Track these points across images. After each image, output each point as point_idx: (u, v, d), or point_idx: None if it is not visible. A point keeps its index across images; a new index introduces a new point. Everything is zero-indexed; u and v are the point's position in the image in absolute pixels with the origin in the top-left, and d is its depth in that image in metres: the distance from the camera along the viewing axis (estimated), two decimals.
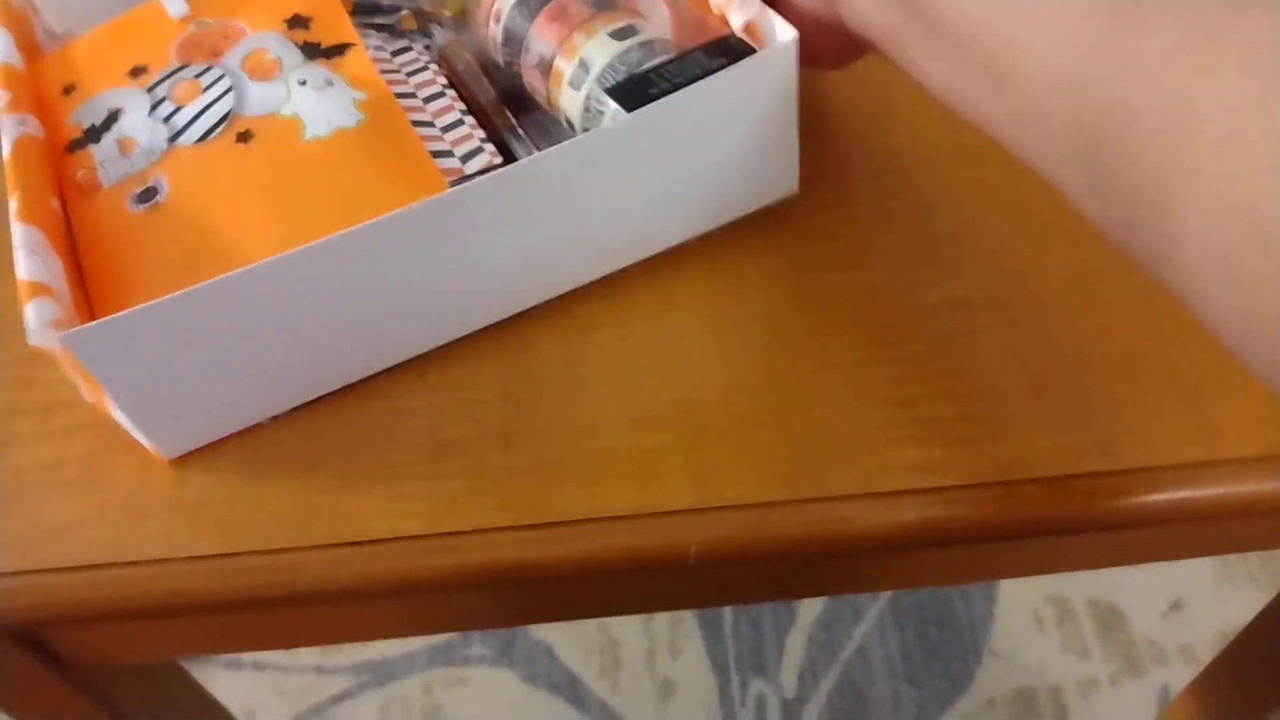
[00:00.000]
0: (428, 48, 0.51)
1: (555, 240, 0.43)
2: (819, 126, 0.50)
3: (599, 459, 0.39)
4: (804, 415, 0.40)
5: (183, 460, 0.41)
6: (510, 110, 0.50)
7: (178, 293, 0.36)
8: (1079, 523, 0.38)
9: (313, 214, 0.41)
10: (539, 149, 0.47)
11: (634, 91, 0.42)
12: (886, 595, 1.13)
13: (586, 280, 0.45)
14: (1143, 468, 0.38)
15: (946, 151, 0.48)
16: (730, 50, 0.43)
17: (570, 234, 0.43)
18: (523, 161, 0.40)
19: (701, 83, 0.41)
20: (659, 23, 0.47)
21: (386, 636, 0.46)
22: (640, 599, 0.48)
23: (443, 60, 0.51)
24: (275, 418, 0.42)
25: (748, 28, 0.43)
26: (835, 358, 0.42)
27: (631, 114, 0.41)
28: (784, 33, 0.42)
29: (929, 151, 0.49)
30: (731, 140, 0.44)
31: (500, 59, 0.50)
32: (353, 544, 0.38)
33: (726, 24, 0.44)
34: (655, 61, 0.43)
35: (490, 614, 0.47)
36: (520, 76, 0.49)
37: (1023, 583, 1.13)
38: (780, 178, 0.47)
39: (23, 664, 0.42)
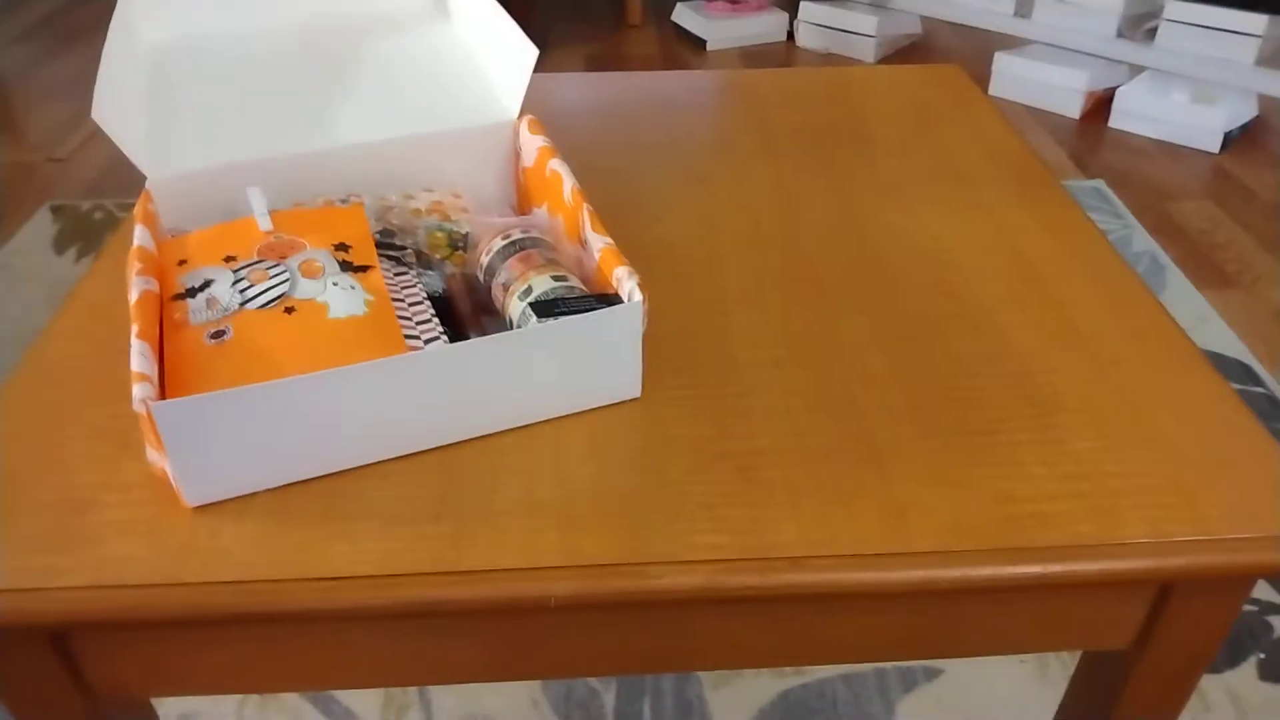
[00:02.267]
0: (419, 275, 0.76)
1: (479, 397, 0.65)
2: (672, 349, 0.73)
3: (500, 531, 0.59)
4: (641, 512, 0.61)
5: (216, 519, 0.61)
6: (480, 314, 0.74)
7: (227, 390, 0.58)
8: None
9: (324, 364, 0.64)
10: None
11: (548, 308, 0.67)
12: None
13: (504, 427, 0.67)
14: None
15: (759, 361, 0.72)
16: (610, 301, 0.67)
17: (489, 395, 0.66)
18: (458, 344, 0.63)
19: (589, 314, 0.65)
20: (580, 280, 0.72)
21: (352, 684, 0.64)
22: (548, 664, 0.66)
23: (449, 283, 0.76)
24: (281, 488, 0.62)
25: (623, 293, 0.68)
26: (669, 478, 0.63)
27: (534, 326, 0.65)
28: (636, 296, 0.66)
29: (747, 360, 0.72)
30: (599, 354, 0.67)
31: (481, 278, 0.74)
32: (326, 579, 0.57)
33: (614, 288, 0.69)
34: (567, 295, 0.68)
35: (429, 667, 0.65)
36: (489, 290, 0.73)
37: None
38: (629, 383, 0.70)
39: (45, 669, 0.60)
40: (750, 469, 0.64)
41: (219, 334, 0.66)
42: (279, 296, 0.68)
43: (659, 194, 0.94)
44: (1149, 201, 2.41)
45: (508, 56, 0.88)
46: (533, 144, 0.84)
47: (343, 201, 0.81)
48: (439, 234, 0.80)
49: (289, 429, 0.61)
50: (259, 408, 0.59)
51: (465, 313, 0.74)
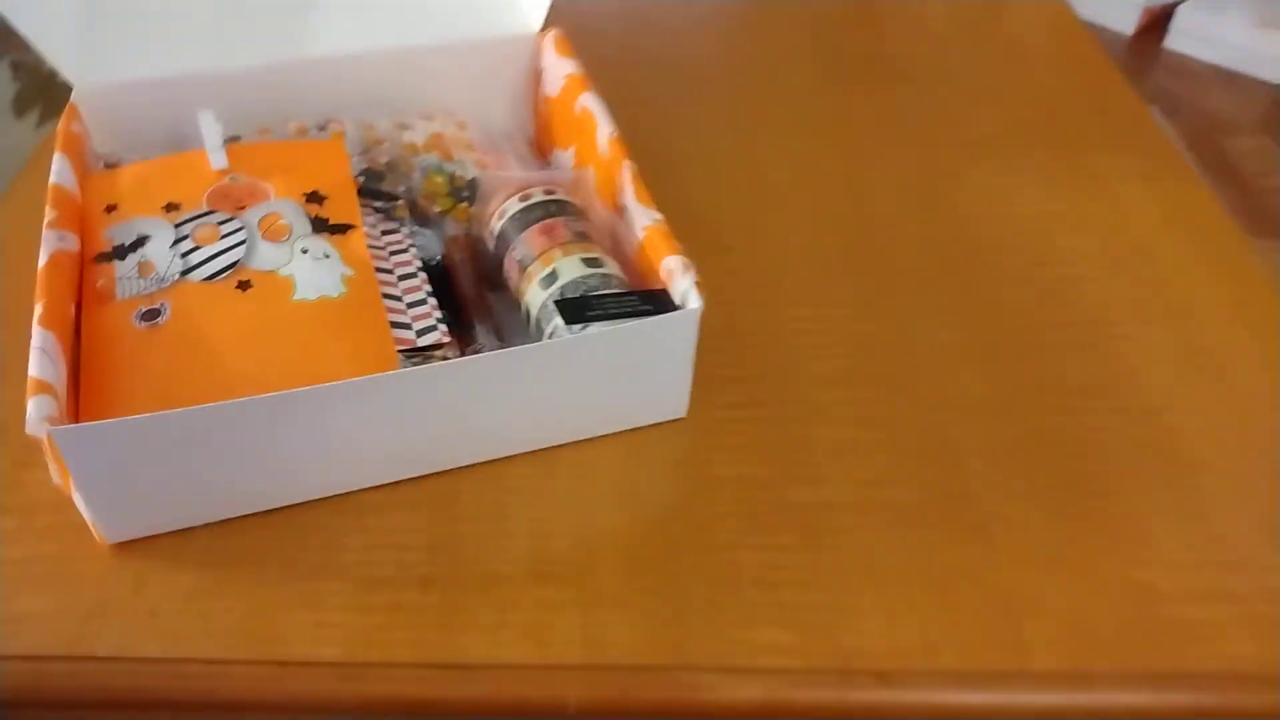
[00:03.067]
0: (413, 234, 0.61)
1: (488, 417, 0.51)
2: (720, 352, 0.59)
3: (504, 608, 0.47)
4: (684, 588, 0.48)
5: (143, 562, 0.48)
6: (486, 287, 0.59)
7: (151, 415, 0.44)
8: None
9: (285, 363, 0.50)
10: (497, 332, 0.57)
11: (577, 310, 0.52)
12: None
13: (514, 451, 0.54)
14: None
15: (825, 374, 0.58)
16: (657, 302, 0.53)
17: (501, 414, 0.52)
18: (461, 363, 0.48)
19: (633, 323, 0.51)
20: (614, 261, 0.57)
21: None
22: None
23: (447, 246, 0.61)
24: (217, 523, 0.49)
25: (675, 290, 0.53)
26: (718, 538, 0.50)
27: (563, 341, 0.50)
28: (694, 302, 0.51)
29: (810, 371, 0.59)
30: (640, 366, 0.53)
31: (491, 246, 0.59)
32: (279, 663, 0.45)
33: (662, 282, 0.54)
34: (602, 291, 0.53)
35: None
36: (501, 264, 0.58)
37: None
38: (674, 403, 0.56)
39: None
40: (819, 530, 0.51)
41: (152, 314, 0.51)
42: (231, 266, 0.53)
43: (700, 140, 0.78)
44: (1202, 134, 2.24)
45: None
46: (559, 69, 0.67)
47: (319, 130, 0.66)
48: (438, 178, 0.65)
49: (235, 456, 0.47)
50: (193, 434, 0.45)
51: (468, 288, 0.59)
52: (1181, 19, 2.52)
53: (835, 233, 0.71)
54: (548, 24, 0.70)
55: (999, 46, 0.93)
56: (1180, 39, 2.53)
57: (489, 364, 0.49)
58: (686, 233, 0.56)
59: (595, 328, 0.51)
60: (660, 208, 0.57)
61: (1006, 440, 0.56)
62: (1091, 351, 0.62)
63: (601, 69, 0.67)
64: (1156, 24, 2.61)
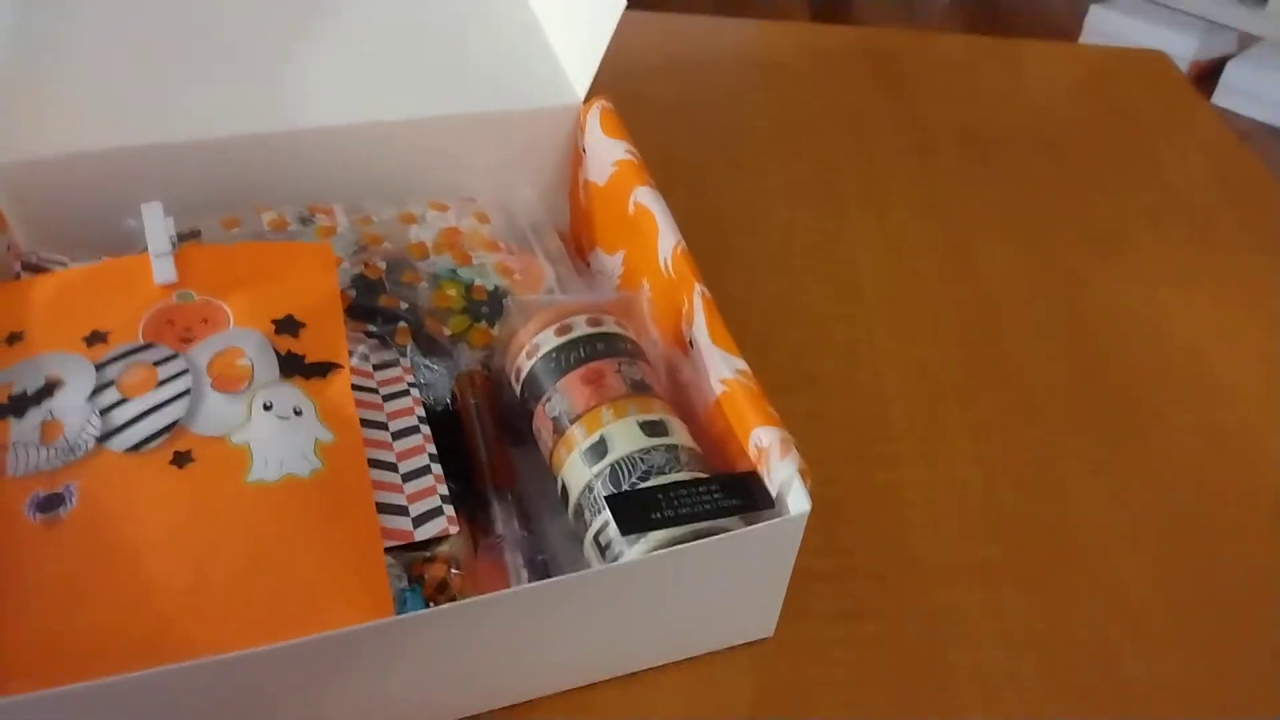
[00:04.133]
0: (417, 370, 0.47)
1: (510, 661, 0.37)
2: (809, 533, 0.45)
3: None
4: None
5: None
6: (508, 444, 0.45)
7: (17, 697, 0.29)
8: None
9: (232, 583, 0.36)
10: (520, 511, 0.43)
11: (636, 510, 0.38)
12: None
13: (540, 694, 0.39)
14: None
15: (955, 560, 0.44)
16: (748, 493, 0.39)
17: (527, 657, 0.38)
18: (472, 602, 0.34)
19: (719, 539, 0.36)
20: (678, 420, 0.43)
21: None
22: None
23: (458, 386, 0.47)
24: None
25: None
26: None
27: (626, 564, 0.36)
28: (799, 503, 0.37)
29: (934, 555, 0.44)
30: (721, 585, 0.39)
31: (516, 389, 0.45)
32: None
33: (748, 458, 0.40)
34: (670, 476, 0.39)
35: None
36: (530, 415, 0.44)
37: None
38: (760, 622, 0.42)
39: None
40: None
41: (53, 502, 0.37)
42: (167, 429, 0.39)
43: (769, 225, 0.64)
44: None
45: (576, 2, 0.58)
46: (608, 152, 0.53)
47: (302, 224, 0.52)
48: (451, 290, 0.51)
49: None
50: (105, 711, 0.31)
51: (484, 444, 0.45)
52: (1231, 75, 2.39)
53: (947, 348, 0.57)
54: (592, 92, 0.56)
55: (1105, 114, 0.79)
56: (1229, 96, 2.40)
57: (519, 603, 0.35)
58: (759, 356, 0.42)
59: (660, 535, 0.37)
60: (730, 325, 0.43)
61: (1198, 666, 0.42)
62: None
63: (650, 138, 0.54)
64: (1204, 78, 2.49)
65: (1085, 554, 0.47)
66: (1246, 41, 2.56)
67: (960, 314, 0.59)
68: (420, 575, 0.38)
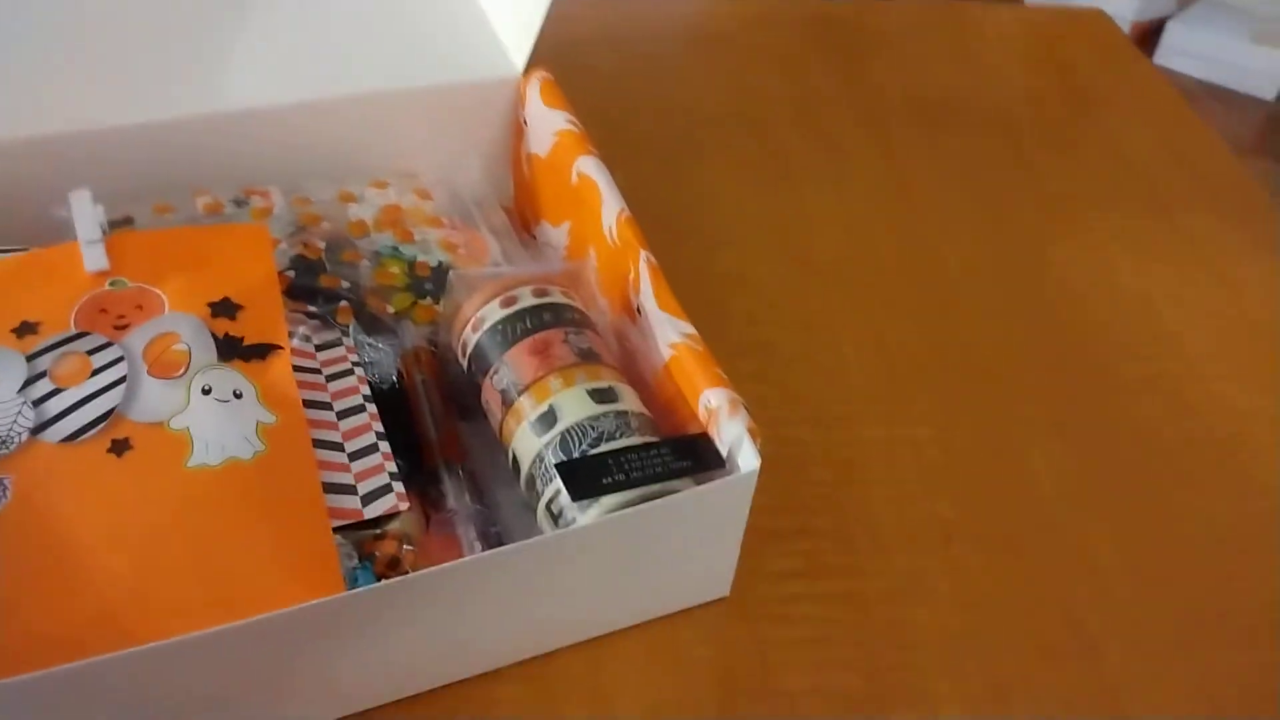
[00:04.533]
0: (361, 348, 0.46)
1: (467, 630, 0.37)
2: (765, 492, 0.45)
3: None
4: None
5: None
6: (456, 419, 0.44)
7: None
8: None
9: (175, 569, 0.35)
10: (471, 484, 0.42)
11: (586, 476, 0.37)
12: None
13: (499, 665, 0.39)
14: None
15: (913, 527, 0.44)
16: (698, 455, 0.39)
17: (484, 625, 0.37)
18: (425, 574, 0.34)
19: (669, 500, 0.36)
20: (627, 383, 0.42)
21: None
22: None
23: (404, 363, 0.46)
24: None
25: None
26: None
27: (574, 530, 0.36)
28: (749, 461, 0.37)
29: (892, 522, 0.44)
30: (675, 546, 0.39)
31: (463, 364, 0.45)
32: None
33: (697, 419, 0.40)
34: (620, 441, 0.39)
35: None
36: (478, 389, 0.44)
37: None
38: (716, 583, 0.42)
39: None
40: None
41: None
42: (103, 417, 0.38)
43: (719, 202, 0.64)
44: None
45: None
46: (548, 122, 0.53)
47: (237, 206, 0.51)
48: (393, 267, 0.50)
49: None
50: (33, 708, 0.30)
51: (432, 420, 0.44)
52: (1171, 35, 2.43)
53: (903, 320, 0.57)
54: (530, 64, 0.55)
55: (1053, 76, 0.79)
56: (1170, 55, 2.43)
57: (474, 572, 0.34)
58: (712, 326, 0.42)
59: (612, 499, 0.37)
60: (681, 299, 0.43)
61: (1159, 637, 0.43)
62: (1244, 482, 0.49)
63: (591, 114, 0.53)
64: (1145, 40, 2.52)
65: (1046, 513, 0.47)
66: (1185, 2, 2.60)
67: (916, 283, 0.59)
68: (371, 553, 0.38)
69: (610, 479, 0.37)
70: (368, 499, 0.40)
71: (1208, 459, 0.50)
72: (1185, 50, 2.41)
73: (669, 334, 0.42)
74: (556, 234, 0.53)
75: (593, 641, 0.40)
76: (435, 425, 0.44)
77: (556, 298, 0.44)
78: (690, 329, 0.42)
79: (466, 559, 0.34)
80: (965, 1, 0.91)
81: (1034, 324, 0.57)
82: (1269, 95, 2.35)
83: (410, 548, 0.39)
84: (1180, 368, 0.55)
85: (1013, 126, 0.73)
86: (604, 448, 0.39)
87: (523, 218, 0.58)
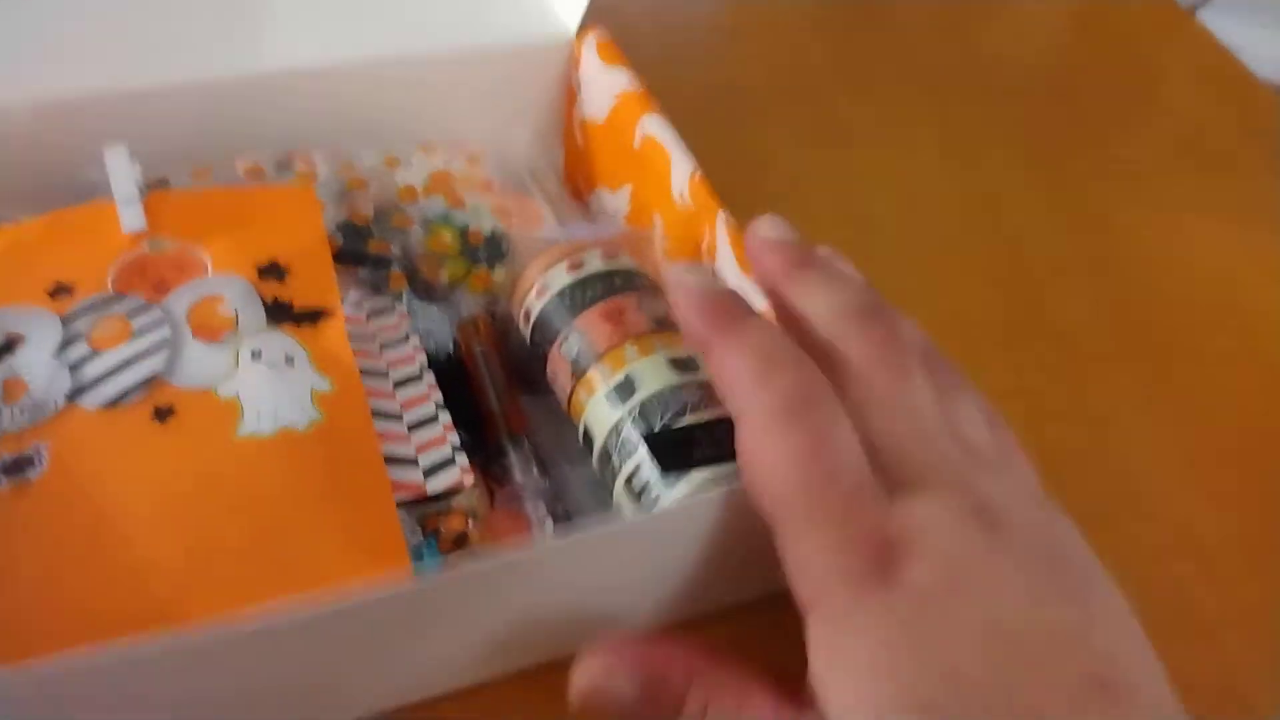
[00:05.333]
0: (414, 314, 0.43)
1: (545, 615, 0.34)
2: None
3: None
4: None
5: None
6: (519, 393, 0.41)
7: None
8: None
9: (227, 549, 0.32)
10: (538, 459, 0.39)
11: (675, 449, 0.34)
12: None
13: (552, 657, 0.36)
14: None
15: None
16: None
17: (563, 610, 0.34)
18: (511, 555, 0.30)
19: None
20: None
21: None
22: None
23: (461, 333, 0.43)
24: None
25: None
26: None
27: (665, 512, 0.33)
28: None
29: None
30: (753, 530, 0.36)
31: (526, 334, 0.42)
32: None
33: None
34: (704, 414, 0.36)
35: None
36: (543, 359, 0.41)
37: None
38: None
39: None
40: None
41: (20, 465, 0.33)
42: (145, 382, 0.35)
43: (782, 169, 0.61)
44: None
45: None
46: (608, 84, 0.50)
47: (280, 170, 0.48)
48: (445, 233, 0.47)
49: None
50: (72, 693, 0.27)
51: (494, 393, 0.41)
52: (1206, 21, 2.39)
53: (972, 281, 0.54)
54: (585, 25, 0.52)
55: (1114, 51, 0.76)
56: None
57: (555, 556, 0.31)
58: None
59: (701, 474, 0.34)
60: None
61: (1265, 605, 0.39)
62: None
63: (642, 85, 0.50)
64: None
65: (1140, 488, 0.44)
66: None
67: (984, 252, 0.56)
68: (435, 529, 0.35)
69: (701, 452, 0.34)
70: (429, 472, 0.37)
71: None
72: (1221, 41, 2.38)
73: (754, 301, 0.39)
74: (615, 200, 0.50)
75: (677, 625, 0.37)
76: (497, 396, 0.41)
77: (627, 263, 0.41)
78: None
79: (554, 542, 0.31)
80: None
81: (1106, 291, 0.54)
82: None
83: (476, 523, 0.36)
84: (1271, 341, 0.52)
85: (1070, 93, 0.70)
86: (688, 419, 0.36)
87: (574, 188, 0.55)
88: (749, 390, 0.29)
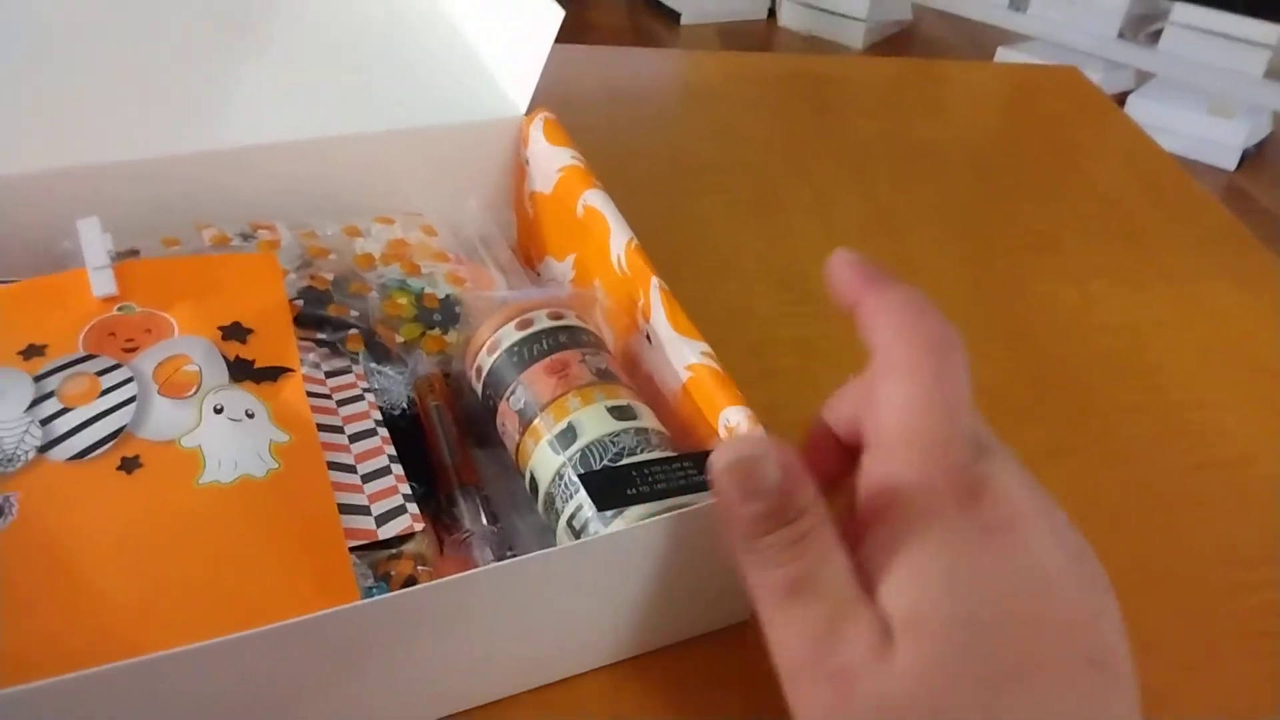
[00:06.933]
0: (371, 375, 0.46)
1: (479, 649, 0.36)
2: None
3: None
4: None
5: None
6: (471, 446, 0.44)
7: None
8: None
9: (187, 588, 0.34)
10: (487, 509, 0.42)
11: (610, 487, 0.37)
12: None
13: (512, 692, 0.38)
14: None
15: None
16: None
17: (499, 644, 0.36)
18: (443, 583, 0.33)
19: (688, 511, 0.36)
20: (645, 404, 0.42)
21: None
22: None
23: (417, 389, 0.46)
24: None
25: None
26: None
27: (595, 539, 0.35)
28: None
29: None
30: (699, 563, 0.38)
31: (478, 389, 0.44)
32: None
33: (716, 437, 0.40)
34: (641, 456, 0.39)
35: None
36: (493, 413, 0.43)
37: None
38: (739, 604, 0.41)
39: None
40: None
41: None
42: (113, 435, 0.38)
43: (720, 241, 0.65)
44: None
45: (510, 18, 0.58)
46: (552, 160, 0.54)
47: (244, 240, 0.51)
48: (401, 298, 0.50)
49: None
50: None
51: (446, 446, 0.44)
52: (1132, 108, 2.51)
53: None
54: (533, 105, 0.56)
55: (1031, 127, 0.82)
56: None
57: (493, 582, 0.33)
58: (718, 358, 0.42)
59: (636, 510, 0.36)
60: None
61: (1177, 654, 0.42)
62: (1260, 502, 0.49)
63: (588, 160, 0.54)
64: None
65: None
66: (1143, 78, 2.70)
67: None
68: (386, 573, 0.37)
69: (635, 490, 0.36)
70: (382, 519, 0.39)
71: (1216, 481, 0.50)
72: (1147, 123, 2.49)
73: (686, 355, 0.42)
74: (561, 268, 0.54)
75: (607, 668, 0.39)
76: (450, 450, 0.43)
77: (572, 320, 0.44)
78: (707, 348, 0.42)
79: (493, 565, 0.33)
80: (941, 60, 0.94)
81: (1020, 352, 0.58)
82: (1229, 165, 2.43)
83: (426, 568, 0.38)
84: (1176, 394, 0.56)
85: (991, 170, 0.75)
86: (625, 463, 0.38)
87: (526, 256, 0.58)
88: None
